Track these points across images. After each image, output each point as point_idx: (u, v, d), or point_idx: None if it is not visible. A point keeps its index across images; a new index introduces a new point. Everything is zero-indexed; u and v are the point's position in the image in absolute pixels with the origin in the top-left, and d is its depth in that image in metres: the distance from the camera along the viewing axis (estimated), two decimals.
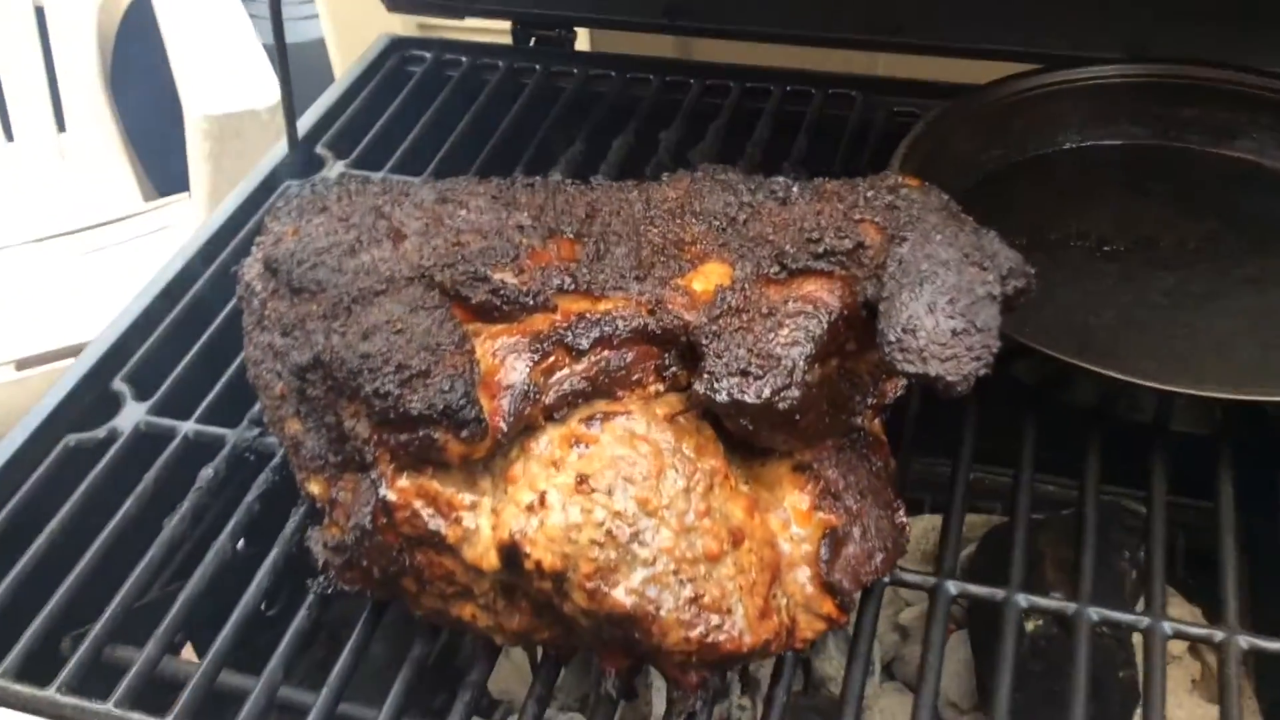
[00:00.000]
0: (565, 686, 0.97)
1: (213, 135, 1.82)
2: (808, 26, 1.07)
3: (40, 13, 2.02)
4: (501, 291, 0.61)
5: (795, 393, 0.57)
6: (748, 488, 0.61)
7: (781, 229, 0.64)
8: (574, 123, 1.05)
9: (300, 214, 0.70)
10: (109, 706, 0.63)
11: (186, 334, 0.86)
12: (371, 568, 0.62)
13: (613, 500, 0.56)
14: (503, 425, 0.57)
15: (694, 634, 0.56)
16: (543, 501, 0.56)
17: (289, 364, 0.63)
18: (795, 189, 0.67)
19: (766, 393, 0.57)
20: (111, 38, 2.08)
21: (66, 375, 0.82)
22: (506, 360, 0.59)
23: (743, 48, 1.11)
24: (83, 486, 0.75)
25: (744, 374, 0.57)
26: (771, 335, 0.58)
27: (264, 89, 1.78)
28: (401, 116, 1.07)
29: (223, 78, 1.86)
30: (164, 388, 0.81)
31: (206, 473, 0.75)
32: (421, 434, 0.57)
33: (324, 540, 0.64)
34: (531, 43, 1.17)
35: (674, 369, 0.61)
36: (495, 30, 1.21)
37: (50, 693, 0.64)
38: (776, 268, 0.62)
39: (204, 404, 0.80)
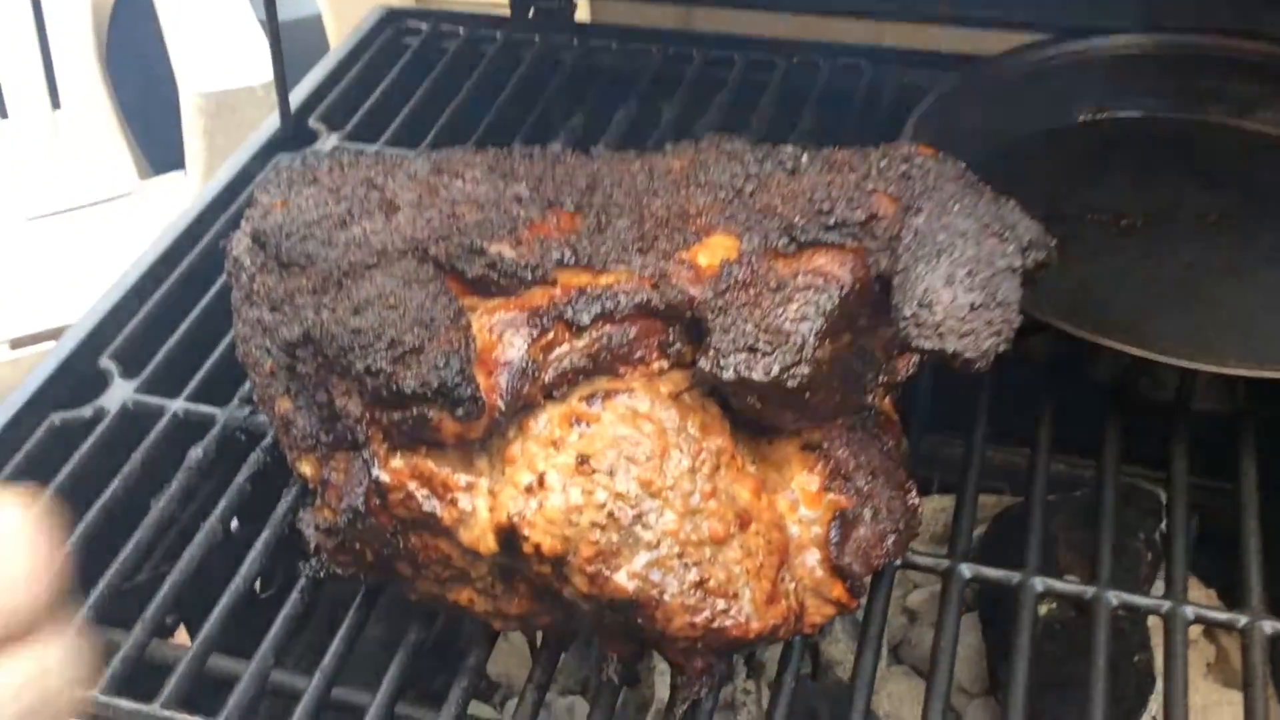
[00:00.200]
0: (566, 670, 0.96)
1: (208, 112, 1.81)
2: None
3: None
4: (499, 265, 0.59)
5: (805, 370, 0.55)
6: (755, 468, 0.59)
7: (790, 200, 0.61)
8: (574, 95, 1.03)
9: (290, 186, 0.68)
10: (94, 694, 0.61)
11: (175, 310, 0.84)
12: (365, 551, 0.60)
13: (615, 481, 0.54)
14: (500, 404, 0.55)
15: (699, 619, 0.54)
16: (542, 483, 0.54)
17: (278, 340, 0.61)
18: (805, 159, 0.65)
19: (775, 370, 0.54)
20: (106, 15, 2.06)
21: (53, 353, 0.79)
22: (504, 336, 0.57)
23: (745, 17, 1.08)
24: (69, 466, 0.73)
25: (751, 350, 0.55)
26: (780, 310, 0.56)
27: (259, 66, 1.77)
28: (397, 89, 1.04)
29: (218, 55, 1.85)
30: (152, 365, 0.79)
31: (196, 453, 0.73)
32: (415, 412, 0.55)
33: (316, 522, 0.63)
34: (530, 13, 1.14)
35: (678, 345, 0.59)
36: (493, 1, 1.18)
37: None
38: (785, 240, 0.59)
39: (194, 382, 0.78)
